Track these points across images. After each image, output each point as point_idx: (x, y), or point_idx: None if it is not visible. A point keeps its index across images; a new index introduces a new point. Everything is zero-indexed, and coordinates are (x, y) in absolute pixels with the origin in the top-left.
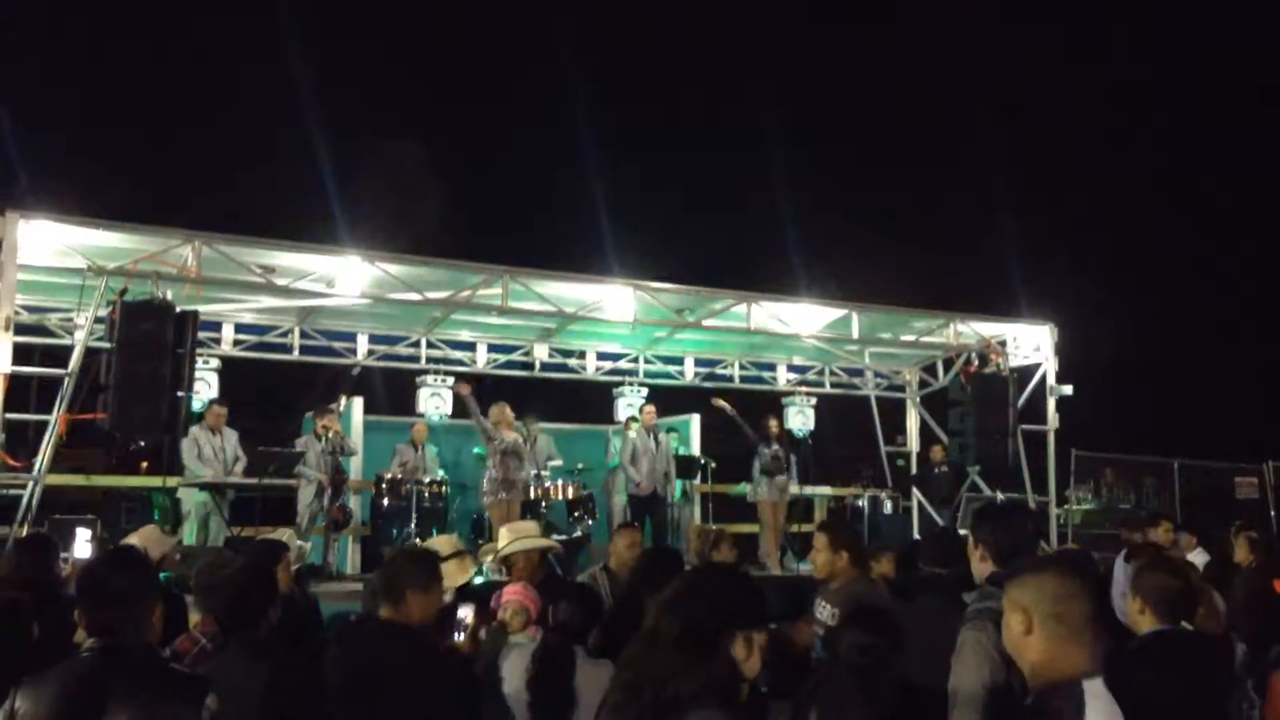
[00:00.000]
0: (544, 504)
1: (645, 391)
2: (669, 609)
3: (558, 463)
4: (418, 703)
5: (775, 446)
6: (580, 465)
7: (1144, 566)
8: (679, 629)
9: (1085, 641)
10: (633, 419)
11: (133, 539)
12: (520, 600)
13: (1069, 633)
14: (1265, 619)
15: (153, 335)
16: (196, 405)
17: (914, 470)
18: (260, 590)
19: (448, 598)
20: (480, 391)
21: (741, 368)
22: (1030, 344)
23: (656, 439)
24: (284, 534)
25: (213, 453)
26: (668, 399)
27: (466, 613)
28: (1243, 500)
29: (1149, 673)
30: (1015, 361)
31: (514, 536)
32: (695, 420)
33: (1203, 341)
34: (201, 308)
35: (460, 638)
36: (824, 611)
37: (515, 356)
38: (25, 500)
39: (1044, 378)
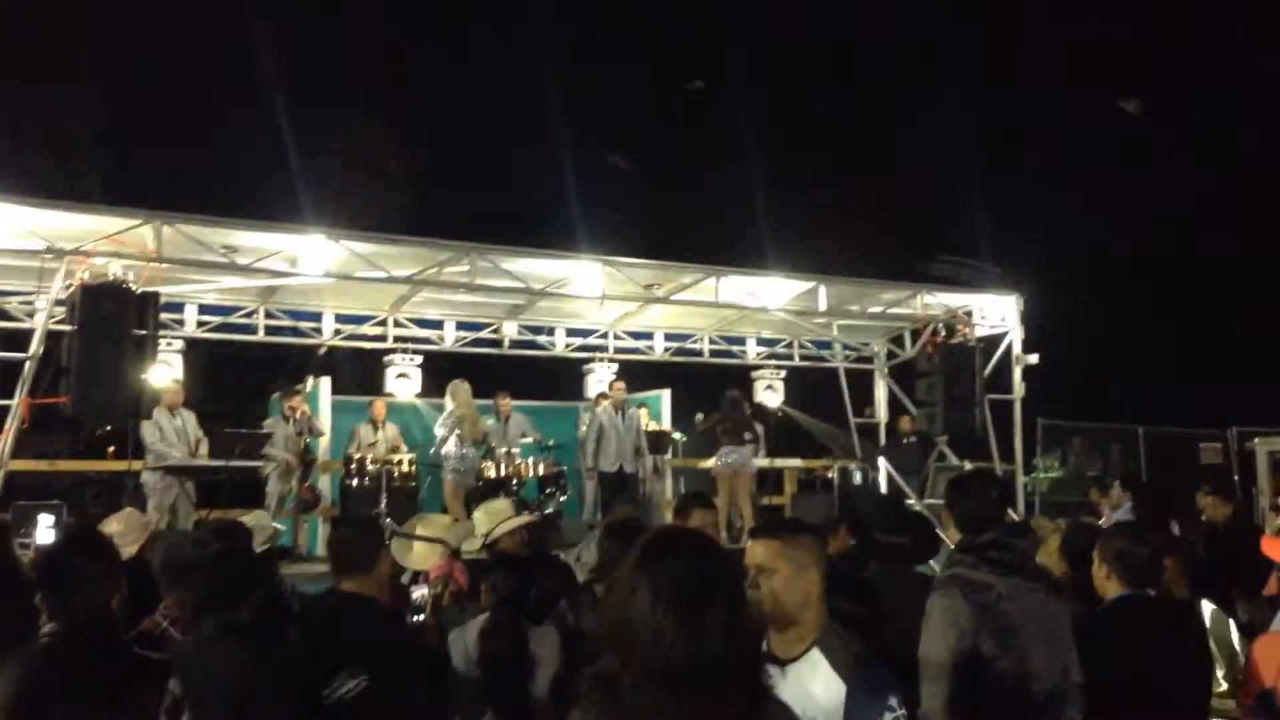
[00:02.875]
0: (515, 481)
1: (615, 367)
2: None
3: (529, 439)
4: (392, 677)
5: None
6: (551, 442)
7: (1109, 534)
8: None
9: None
10: (602, 395)
11: (113, 523)
12: (447, 574)
13: None
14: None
15: (113, 317)
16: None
17: (883, 441)
18: (237, 572)
19: (405, 579)
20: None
21: (711, 342)
22: (996, 314)
23: (625, 415)
24: (256, 516)
25: (175, 434)
26: (639, 374)
27: (422, 591)
28: (1207, 465)
29: (1117, 638)
30: (981, 331)
31: (494, 520)
32: (666, 395)
33: (1167, 309)
34: (163, 289)
35: (420, 618)
36: None
37: (484, 334)
38: None
39: (1010, 347)
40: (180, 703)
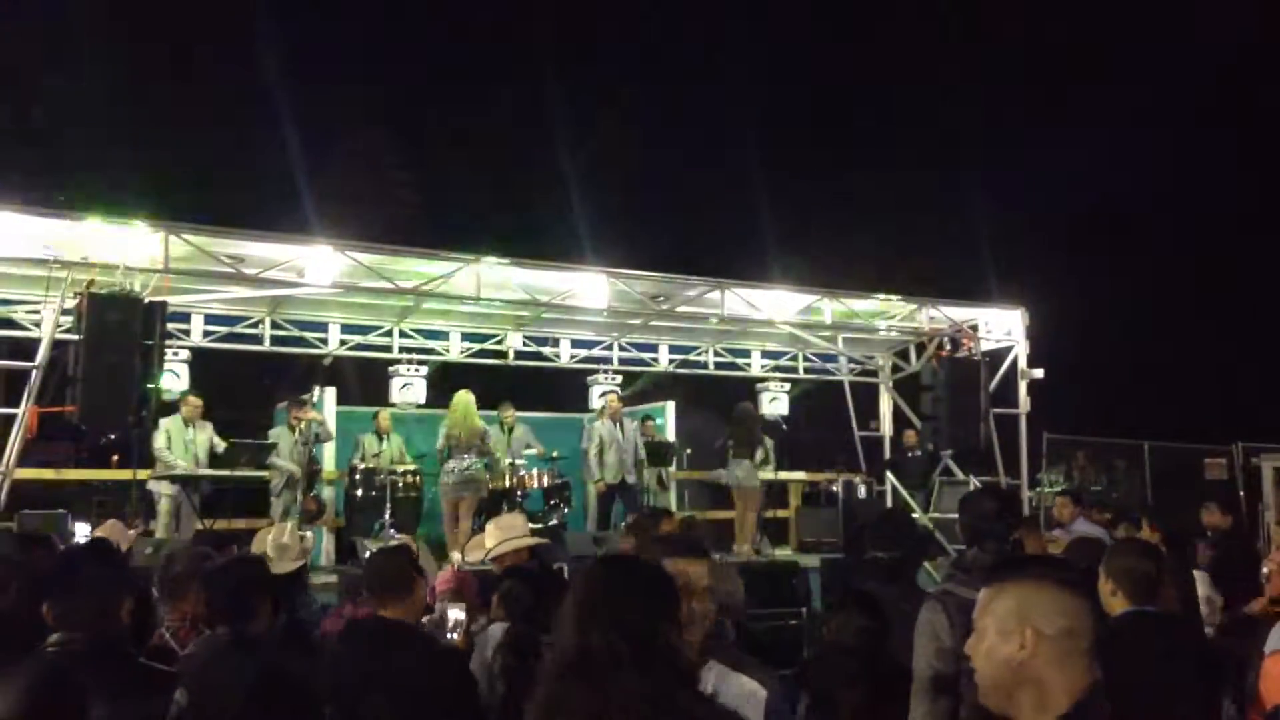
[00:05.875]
0: (519, 492)
1: (619, 379)
2: (602, 627)
3: (533, 451)
4: (431, 703)
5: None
6: (555, 453)
7: (1115, 549)
8: (627, 648)
9: None
10: (601, 409)
11: (97, 533)
12: (454, 588)
13: None
14: None
15: (120, 327)
16: (169, 394)
17: (888, 454)
18: (252, 585)
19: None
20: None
21: (716, 354)
22: (1001, 328)
23: (623, 428)
24: (285, 529)
25: (184, 445)
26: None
27: (457, 614)
28: (1212, 481)
29: (1126, 654)
30: (987, 345)
31: (503, 535)
32: (670, 407)
33: (1172, 323)
34: (170, 299)
35: (455, 638)
36: None
37: (489, 345)
38: None
39: (1015, 361)
40: (185, 714)
